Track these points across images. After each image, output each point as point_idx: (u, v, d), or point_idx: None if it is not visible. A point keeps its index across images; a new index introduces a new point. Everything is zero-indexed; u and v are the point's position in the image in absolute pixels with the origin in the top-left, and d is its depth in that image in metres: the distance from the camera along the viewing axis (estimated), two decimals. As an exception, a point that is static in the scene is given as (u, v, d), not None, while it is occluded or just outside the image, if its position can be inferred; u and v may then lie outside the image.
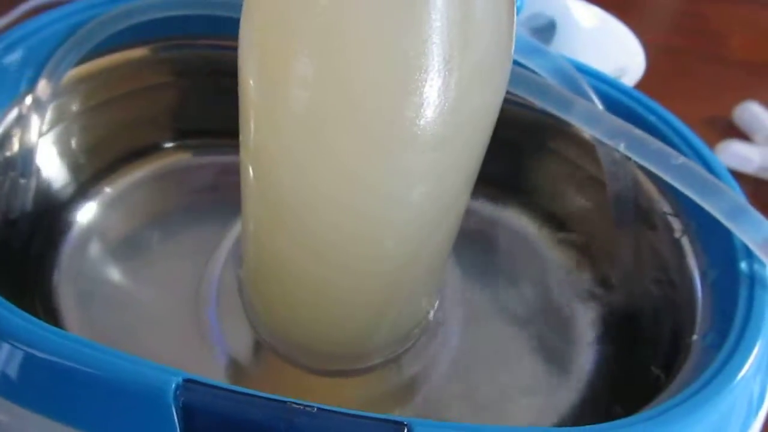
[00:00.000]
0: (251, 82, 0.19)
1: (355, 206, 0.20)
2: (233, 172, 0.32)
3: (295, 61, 0.18)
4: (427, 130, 0.18)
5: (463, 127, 0.19)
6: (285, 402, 0.17)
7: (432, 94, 0.17)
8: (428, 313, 0.27)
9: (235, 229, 0.30)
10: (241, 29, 0.19)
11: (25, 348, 0.18)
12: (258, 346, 0.26)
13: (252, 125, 0.20)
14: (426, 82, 0.17)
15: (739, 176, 0.47)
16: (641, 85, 0.43)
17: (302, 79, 0.18)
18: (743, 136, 0.50)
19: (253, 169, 0.21)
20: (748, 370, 0.20)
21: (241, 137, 0.22)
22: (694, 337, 0.23)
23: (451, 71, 0.17)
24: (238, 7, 0.28)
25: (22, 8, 0.40)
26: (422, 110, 0.18)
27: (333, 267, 0.22)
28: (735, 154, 0.47)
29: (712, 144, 0.47)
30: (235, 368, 0.26)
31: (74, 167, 0.29)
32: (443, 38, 0.17)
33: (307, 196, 0.20)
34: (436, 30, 0.17)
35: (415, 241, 0.22)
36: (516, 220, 0.32)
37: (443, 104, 0.18)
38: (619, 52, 0.41)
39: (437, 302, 0.28)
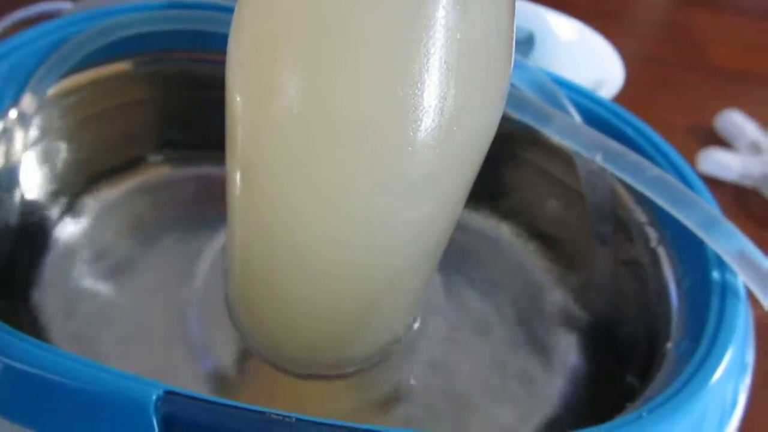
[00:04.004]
0: (238, 98, 0.19)
1: (336, 232, 0.20)
2: (216, 185, 0.32)
3: (280, 81, 0.18)
4: (417, 156, 0.18)
5: (452, 159, 0.19)
6: (264, 413, 0.17)
7: (425, 122, 0.17)
8: (412, 322, 0.28)
9: (219, 240, 0.30)
10: (230, 41, 0.19)
11: (5, 360, 0.18)
12: (242, 353, 0.26)
13: (238, 139, 0.20)
14: (418, 110, 0.17)
15: (720, 184, 0.47)
16: (624, 94, 0.43)
17: (288, 103, 0.18)
18: (724, 143, 0.51)
19: (238, 180, 0.21)
20: (720, 376, 0.21)
21: (227, 150, 0.22)
22: (669, 344, 0.23)
23: (444, 100, 0.17)
24: (218, 22, 0.29)
25: (5, 22, 0.40)
26: (413, 137, 0.18)
27: (314, 286, 0.23)
28: (716, 161, 0.48)
29: (693, 152, 0.48)
30: (219, 376, 0.26)
31: (58, 181, 0.29)
32: (436, 78, 0.17)
33: (289, 216, 0.20)
34: (430, 69, 0.17)
35: (399, 265, 0.22)
36: (494, 230, 0.32)
37: (436, 131, 0.18)
38: (597, 65, 0.42)
39: (420, 310, 0.28)
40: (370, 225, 0.20)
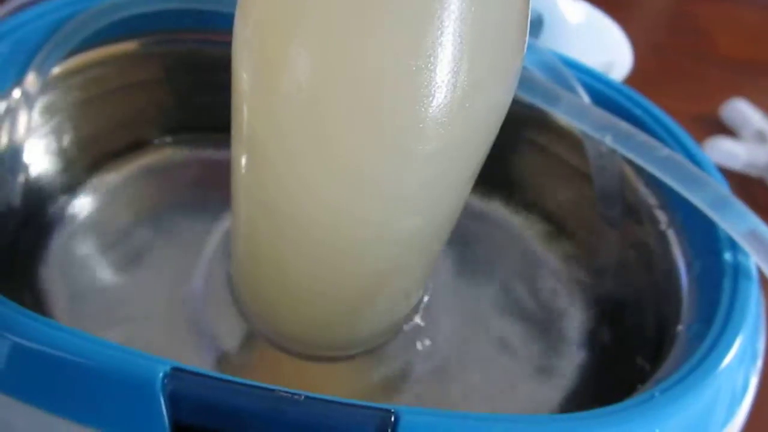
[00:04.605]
0: (244, 76, 0.19)
1: (349, 207, 0.20)
2: (220, 168, 0.32)
3: (292, 57, 0.17)
4: (429, 131, 0.18)
5: (463, 137, 0.19)
6: (272, 390, 0.17)
7: (437, 98, 0.17)
8: (417, 302, 0.27)
9: (224, 223, 0.30)
10: (236, 20, 0.19)
11: (12, 337, 0.18)
12: (246, 335, 0.26)
13: (245, 117, 0.20)
14: (431, 86, 0.17)
15: (726, 173, 0.47)
16: (629, 83, 0.43)
17: (297, 80, 0.17)
18: (730, 133, 0.51)
19: (244, 158, 0.21)
20: (731, 360, 0.20)
21: (233, 130, 0.21)
22: (679, 327, 0.23)
23: (457, 76, 0.17)
24: (223, 2, 0.29)
25: (13, 3, 0.39)
26: (425, 112, 0.17)
27: (321, 263, 0.22)
28: (722, 150, 0.48)
29: (699, 141, 0.48)
30: (224, 358, 0.26)
31: (63, 162, 0.29)
32: (449, 52, 0.17)
33: (299, 194, 0.20)
34: (444, 36, 0.16)
35: (408, 242, 0.22)
36: (501, 212, 0.32)
37: (448, 107, 0.17)
38: (605, 48, 0.42)
39: (427, 291, 0.28)
40: (378, 199, 0.20)
